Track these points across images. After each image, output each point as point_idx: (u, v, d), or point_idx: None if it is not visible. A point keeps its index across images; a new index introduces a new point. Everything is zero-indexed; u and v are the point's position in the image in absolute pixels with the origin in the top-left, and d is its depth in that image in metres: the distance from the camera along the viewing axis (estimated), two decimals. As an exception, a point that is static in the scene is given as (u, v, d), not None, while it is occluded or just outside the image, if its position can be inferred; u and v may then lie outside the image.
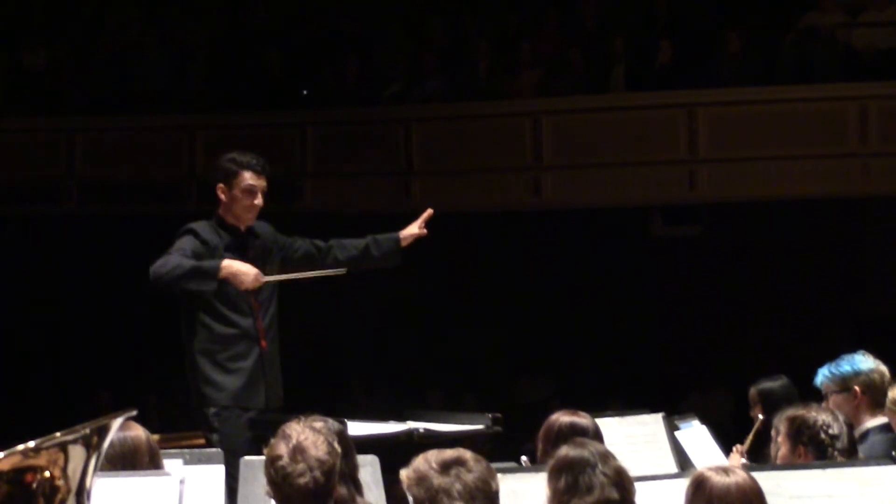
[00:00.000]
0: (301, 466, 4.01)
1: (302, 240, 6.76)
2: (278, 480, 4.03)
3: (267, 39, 14.57)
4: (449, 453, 3.90)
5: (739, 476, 3.81)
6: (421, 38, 14.49)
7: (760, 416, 6.84)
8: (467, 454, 3.91)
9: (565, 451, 4.10)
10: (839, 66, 12.88)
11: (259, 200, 6.46)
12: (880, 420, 5.79)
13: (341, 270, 6.60)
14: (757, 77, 12.92)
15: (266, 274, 6.44)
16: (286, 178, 13.00)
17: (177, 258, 6.30)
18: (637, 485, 4.15)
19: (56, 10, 15.27)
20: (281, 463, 4.03)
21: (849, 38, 13.13)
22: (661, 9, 13.72)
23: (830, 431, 4.92)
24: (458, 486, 3.80)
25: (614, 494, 3.96)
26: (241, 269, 6.33)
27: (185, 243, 6.39)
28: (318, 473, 4.02)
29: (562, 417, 5.05)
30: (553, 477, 4.04)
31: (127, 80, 14.42)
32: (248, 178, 6.43)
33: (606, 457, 4.06)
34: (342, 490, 4.37)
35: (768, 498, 3.92)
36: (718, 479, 3.78)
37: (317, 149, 13.75)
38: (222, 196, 6.48)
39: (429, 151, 13.44)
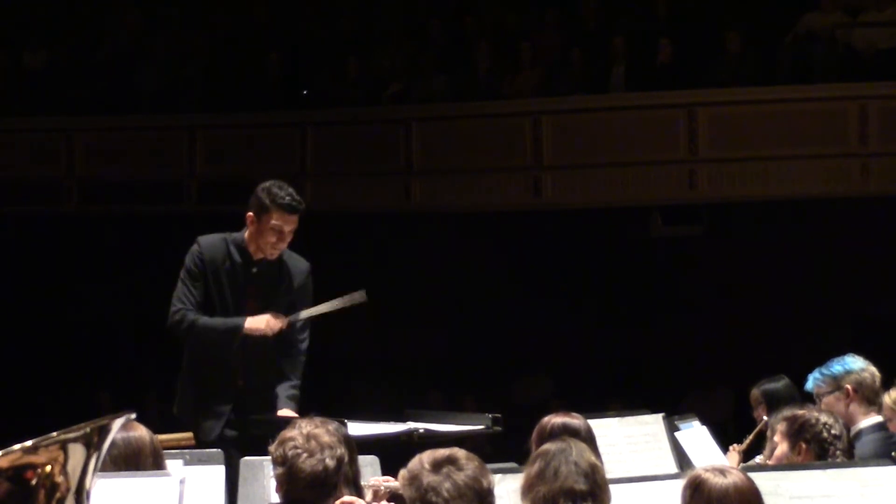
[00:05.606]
0: (314, 446, 4.06)
1: (304, 334, 6.49)
2: (288, 461, 4.05)
3: (267, 39, 14.57)
4: (441, 452, 3.92)
5: (737, 476, 3.80)
6: (421, 38, 14.49)
7: (765, 418, 6.80)
8: (460, 453, 3.92)
9: (547, 444, 4.16)
10: (839, 66, 12.88)
11: (284, 242, 6.33)
12: (873, 419, 5.81)
13: (362, 299, 6.40)
14: (757, 77, 12.93)
15: (271, 310, 6.31)
16: (286, 178, 12.97)
17: (202, 321, 6.23)
18: (637, 485, 4.17)
19: (56, 10, 15.28)
20: (294, 443, 4.07)
21: (849, 38, 13.12)
22: (661, 8, 13.72)
23: (833, 432, 4.94)
24: (447, 485, 3.81)
25: (581, 485, 3.99)
26: (256, 326, 6.24)
27: (187, 278, 6.29)
28: (328, 460, 4.06)
29: (554, 419, 5.08)
30: (528, 466, 4.12)
31: (127, 80, 14.42)
32: (276, 217, 6.28)
33: (583, 452, 4.10)
34: (345, 493, 4.38)
35: (768, 498, 3.91)
36: (717, 481, 3.76)
37: (317, 149, 13.75)
38: (250, 225, 6.36)
39: (429, 151, 13.42)
